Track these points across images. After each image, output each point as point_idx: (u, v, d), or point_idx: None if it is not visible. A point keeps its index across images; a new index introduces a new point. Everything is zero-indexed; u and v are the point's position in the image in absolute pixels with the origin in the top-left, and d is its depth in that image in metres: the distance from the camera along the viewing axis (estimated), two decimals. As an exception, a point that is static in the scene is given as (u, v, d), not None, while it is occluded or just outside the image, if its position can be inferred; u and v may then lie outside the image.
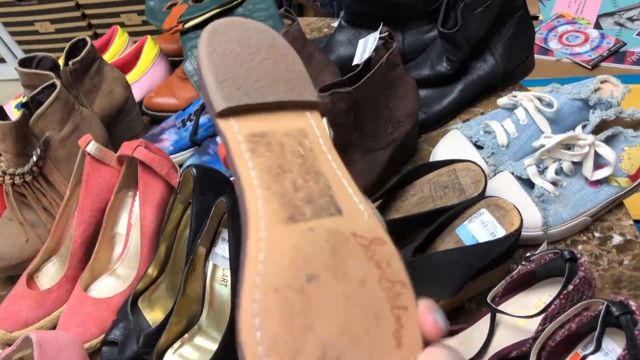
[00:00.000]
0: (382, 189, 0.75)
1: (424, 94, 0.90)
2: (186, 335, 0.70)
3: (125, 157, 0.78)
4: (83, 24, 2.32)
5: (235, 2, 0.95)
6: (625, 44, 1.46)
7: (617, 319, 0.49)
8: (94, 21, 2.32)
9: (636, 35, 1.47)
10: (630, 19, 1.52)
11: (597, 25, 1.53)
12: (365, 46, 0.79)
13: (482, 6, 0.82)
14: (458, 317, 0.70)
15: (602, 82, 0.81)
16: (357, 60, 0.79)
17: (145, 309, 0.75)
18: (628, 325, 0.49)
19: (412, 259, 0.66)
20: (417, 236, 0.69)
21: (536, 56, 1.52)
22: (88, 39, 0.87)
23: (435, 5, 0.87)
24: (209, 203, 0.67)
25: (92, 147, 0.77)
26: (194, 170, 0.68)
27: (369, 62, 0.77)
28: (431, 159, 0.83)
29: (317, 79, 0.82)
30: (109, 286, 0.80)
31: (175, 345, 0.69)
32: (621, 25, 1.52)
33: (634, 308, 0.50)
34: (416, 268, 0.65)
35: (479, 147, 0.80)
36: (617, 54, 1.45)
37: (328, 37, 1.03)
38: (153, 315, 0.74)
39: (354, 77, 0.75)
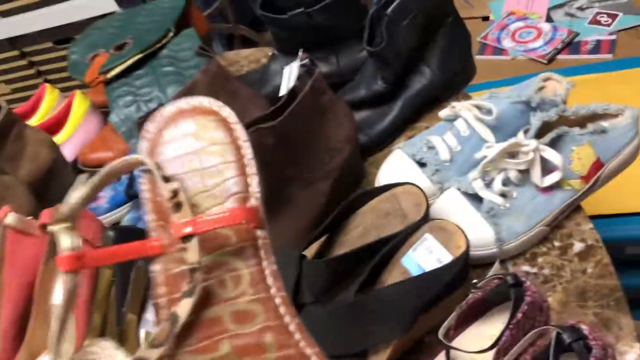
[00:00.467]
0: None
1: (364, 115, 0.86)
2: (128, 411, 0.64)
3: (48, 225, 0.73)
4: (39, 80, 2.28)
5: (158, 46, 0.90)
6: (578, 34, 1.43)
7: (569, 346, 0.44)
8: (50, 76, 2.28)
9: (587, 24, 1.44)
10: (581, 8, 1.49)
11: (549, 19, 1.50)
12: (290, 75, 0.75)
13: (407, 18, 0.78)
14: (420, 351, 0.65)
15: (545, 80, 0.77)
16: (283, 91, 0.75)
17: (87, 385, 0.69)
18: (582, 352, 0.44)
19: (357, 297, 0.61)
20: (363, 271, 0.64)
21: (491, 57, 1.49)
22: (3, 104, 0.83)
23: (363, 23, 0.83)
24: (132, 265, 0.62)
25: (11, 218, 0.72)
26: (112, 233, 0.63)
27: (293, 92, 0.72)
28: (376, 184, 0.78)
29: (245, 115, 0.78)
30: (49, 364, 0.74)
31: None
32: (572, 15, 1.49)
33: (586, 332, 0.45)
34: (362, 307, 0.60)
35: (424, 165, 0.76)
36: (571, 44, 1.42)
37: (263, 68, 0.99)
38: (96, 392, 0.69)
39: (279, 109, 0.71)
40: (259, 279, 0.34)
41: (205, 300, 0.33)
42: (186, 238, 0.34)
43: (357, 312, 0.60)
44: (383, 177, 0.77)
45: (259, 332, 0.33)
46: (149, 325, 0.63)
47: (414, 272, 0.62)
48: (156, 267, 0.35)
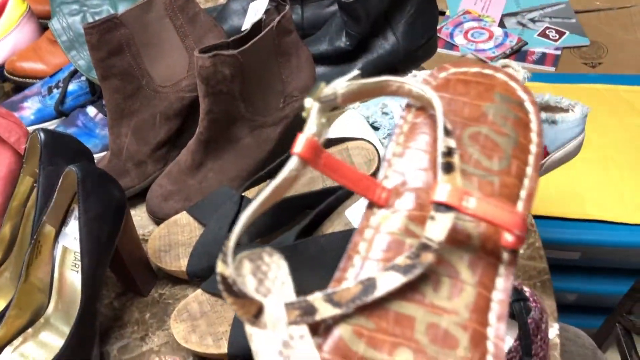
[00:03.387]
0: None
1: (321, 71, 0.84)
2: (30, 330, 0.59)
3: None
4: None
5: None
6: (526, 43, 1.48)
7: (510, 306, 0.45)
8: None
9: (537, 35, 1.49)
10: (532, 20, 1.54)
11: (502, 24, 1.54)
12: (256, 9, 0.71)
13: (383, -23, 0.76)
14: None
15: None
16: (247, 25, 0.71)
17: (-16, 300, 0.63)
18: (521, 313, 0.44)
19: (296, 242, 0.59)
20: (304, 219, 0.62)
21: (441, 50, 1.51)
22: None
23: (336, -24, 0.81)
24: (59, 174, 0.56)
25: None
26: (42, 134, 0.58)
27: (258, 26, 0.69)
28: (325, 139, 0.76)
29: (201, 41, 0.74)
30: (-57, 274, 0.67)
31: (16, 342, 0.58)
32: (523, 25, 1.54)
33: (527, 294, 0.45)
34: (299, 252, 0.58)
35: (377, 129, 0.74)
36: (519, 52, 1.46)
37: (221, 6, 0.94)
38: (-6, 308, 0.63)
39: (241, 40, 0.67)
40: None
41: (409, 291, 0.26)
42: (440, 207, 0.26)
43: (294, 256, 0.58)
44: (334, 134, 0.75)
45: None
46: (68, 239, 0.58)
47: (357, 225, 0.61)
48: (370, 217, 0.29)
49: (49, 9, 0.92)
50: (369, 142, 0.66)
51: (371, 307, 0.26)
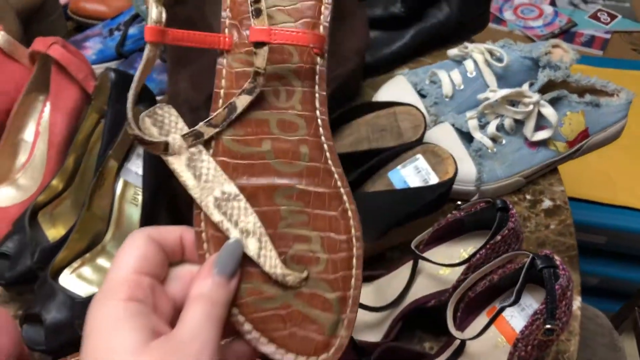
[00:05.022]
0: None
1: (373, 35, 0.85)
2: (87, 255, 0.64)
3: (39, 54, 0.70)
4: None
5: None
6: (576, 25, 1.46)
7: (540, 272, 0.48)
8: None
9: (587, 17, 1.48)
10: (585, 1, 1.52)
11: (553, 3, 1.53)
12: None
13: (445, -53, 0.77)
14: (379, 265, 0.67)
15: (554, 46, 0.79)
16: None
17: (45, 224, 0.68)
18: (550, 279, 0.47)
19: (340, 197, 0.62)
20: (348, 176, 0.66)
21: (490, 24, 1.50)
22: None
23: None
24: (125, 112, 0.60)
25: (1, 38, 0.69)
26: (113, 74, 0.61)
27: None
28: (372, 103, 0.79)
29: None
30: (8, 196, 0.72)
31: (75, 264, 0.64)
32: (575, 5, 1.52)
33: (557, 263, 0.48)
34: (342, 207, 0.62)
35: (423, 96, 0.77)
36: (567, 33, 1.45)
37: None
38: (53, 232, 0.68)
39: None
40: (309, 100, 0.38)
41: (258, 103, 0.37)
42: (258, 44, 0.36)
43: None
44: (381, 98, 0.78)
45: (298, 142, 0.37)
46: (130, 174, 0.63)
47: (398, 187, 0.64)
48: (223, 61, 0.38)
49: (113, -48, 0.96)
50: (416, 108, 0.69)
51: (237, 121, 0.37)
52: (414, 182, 0.64)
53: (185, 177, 0.35)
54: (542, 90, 0.72)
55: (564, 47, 0.79)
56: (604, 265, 1.26)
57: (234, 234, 0.34)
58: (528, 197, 0.73)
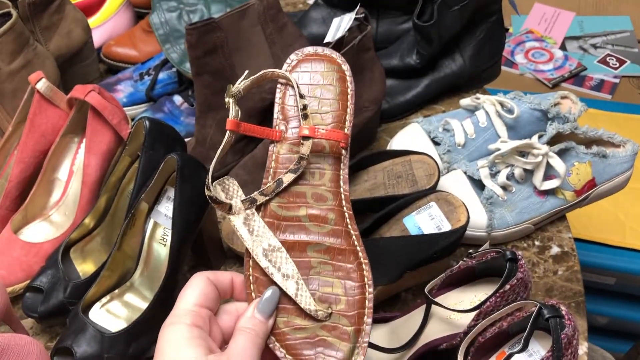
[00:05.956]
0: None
1: (389, 84, 0.90)
2: (116, 291, 0.68)
3: (77, 100, 0.75)
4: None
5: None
6: (586, 69, 1.50)
7: (547, 321, 0.51)
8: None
9: (597, 62, 1.52)
10: (594, 46, 1.57)
11: (563, 47, 1.57)
12: (340, 25, 0.78)
13: (459, 4, 0.82)
14: (394, 306, 0.71)
15: (563, 97, 0.82)
16: (329, 38, 0.78)
17: (77, 259, 0.72)
18: (556, 328, 0.50)
19: (357, 242, 0.66)
20: (365, 222, 0.69)
21: (501, 67, 1.55)
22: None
23: (413, -2, 0.86)
24: (159, 158, 0.65)
25: (42, 85, 0.74)
26: (147, 122, 0.66)
27: (340, 42, 0.76)
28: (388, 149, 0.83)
29: (287, 49, 0.81)
30: (42, 232, 0.76)
31: (104, 300, 0.67)
32: (585, 50, 1.56)
33: (563, 312, 0.51)
34: (359, 251, 0.65)
35: (436, 144, 0.81)
36: (577, 77, 1.49)
37: (302, 13, 1.01)
38: (84, 267, 0.72)
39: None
40: (335, 179, 0.50)
41: (299, 180, 0.49)
42: (305, 138, 0.49)
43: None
44: (396, 144, 0.81)
45: (327, 209, 0.48)
46: (160, 216, 0.67)
47: (413, 232, 0.68)
48: (273, 148, 0.51)
49: (145, -1, 1.01)
50: (431, 157, 0.72)
51: (282, 192, 0.48)
52: (428, 228, 0.67)
53: (242, 231, 0.46)
54: (551, 141, 0.75)
55: (573, 98, 0.83)
56: (612, 306, 1.27)
57: (277, 277, 0.45)
58: (537, 243, 0.76)
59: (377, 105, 0.81)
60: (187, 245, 0.65)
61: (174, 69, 0.91)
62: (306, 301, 0.44)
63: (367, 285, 0.46)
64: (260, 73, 0.50)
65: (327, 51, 0.53)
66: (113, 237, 0.72)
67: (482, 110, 0.80)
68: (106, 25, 1.01)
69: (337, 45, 0.75)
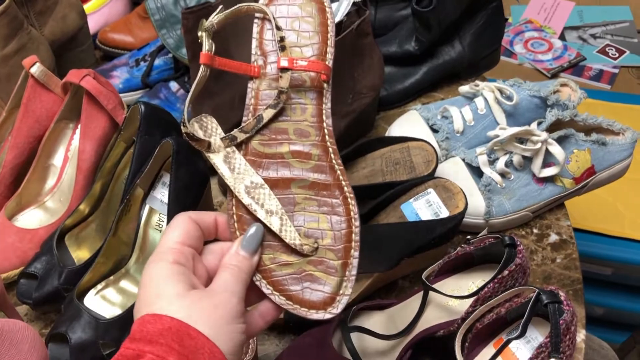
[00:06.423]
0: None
1: (388, 71, 0.89)
2: (112, 277, 0.67)
3: (72, 85, 0.74)
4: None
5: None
6: (585, 59, 1.50)
7: (546, 307, 0.50)
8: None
9: (596, 52, 1.51)
10: (593, 36, 1.56)
11: (562, 37, 1.56)
12: (338, 9, 0.77)
13: (458, -10, 0.81)
14: (391, 293, 0.70)
15: (562, 85, 0.82)
16: (327, 23, 0.77)
17: (71, 246, 0.71)
18: (554, 313, 0.50)
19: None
20: (363, 208, 0.69)
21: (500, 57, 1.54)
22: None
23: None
24: (154, 143, 0.64)
25: (37, 69, 0.73)
26: (143, 107, 0.65)
27: (339, 27, 0.75)
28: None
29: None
30: (36, 218, 0.76)
31: (99, 286, 0.67)
32: (584, 40, 1.55)
33: (562, 298, 0.51)
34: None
35: (435, 131, 0.80)
36: (576, 67, 1.49)
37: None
38: (79, 254, 0.71)
39: (322, 39, 0.73)
40: (318, 113, 0.48)
41: (279, 115, 0.47)
42: (283, 70, 0.47)
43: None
44: (395, 132, 0.81)
45: (310, 145, 0.47)
46: (155, 202, 0.66)
47: (411, 219, 0.67)
48: (252, 85, 0.48)
49: (140, -15, 1.00)
50: (429, 143, 0.72)
51: (263, 129, 0.47)
52: (426, 215, 0.67)
53: (222, 169, 0.45)
54: (550, 128, 0.75)
55: (572, 86, 0.82)
56: (609, 296, 1.27)
57: (260, 213, 0.44)
58: (535, 231, 0.75)
59: (375, 92, 0.80)
60: (182, 231, 0.65)
61: (170, 55, 0.90)
62: (291, 236, 0.43)
63: (353, 219, 0.45)
64: (235, 7, 0.47)
65: None
66: (108, 224, 0.71)
67: (481, 97, 0.79)
68: (102, 11, 1.00)
69: (336, 30, 0.74)
